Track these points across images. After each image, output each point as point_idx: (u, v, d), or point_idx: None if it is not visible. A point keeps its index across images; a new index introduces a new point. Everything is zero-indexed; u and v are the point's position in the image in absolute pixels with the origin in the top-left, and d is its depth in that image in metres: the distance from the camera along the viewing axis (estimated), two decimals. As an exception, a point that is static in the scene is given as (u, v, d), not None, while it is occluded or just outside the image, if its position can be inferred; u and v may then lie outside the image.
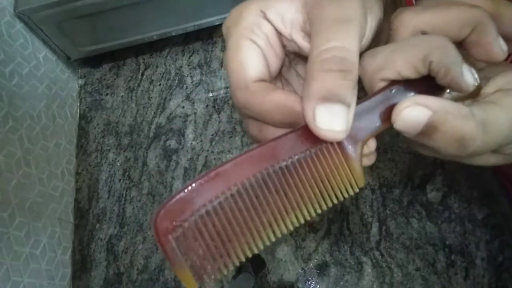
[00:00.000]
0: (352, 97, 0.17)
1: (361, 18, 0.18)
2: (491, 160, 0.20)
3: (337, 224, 1.06)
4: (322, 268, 1.03)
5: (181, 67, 1.41)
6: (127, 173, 1.30)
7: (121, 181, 1.30)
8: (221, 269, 0.16)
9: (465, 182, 1.01)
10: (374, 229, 1.03)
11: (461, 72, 0.18)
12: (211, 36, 1.40)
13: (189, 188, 0.16)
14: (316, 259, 1.05)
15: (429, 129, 0.17)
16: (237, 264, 0.16)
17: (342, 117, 0.17)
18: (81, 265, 1.21)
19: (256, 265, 0.98)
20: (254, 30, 0.20)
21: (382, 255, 1.00)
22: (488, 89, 0.19)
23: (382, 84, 0.20)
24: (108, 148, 1.36)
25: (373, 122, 0.19)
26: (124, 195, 1.28)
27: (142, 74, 1.44)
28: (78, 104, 1.45)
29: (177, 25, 1.29)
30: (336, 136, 0.17)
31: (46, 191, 1.16)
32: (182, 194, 0.16)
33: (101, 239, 1.23)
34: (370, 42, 0.21)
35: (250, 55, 0.20)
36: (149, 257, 1.17)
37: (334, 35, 0.18)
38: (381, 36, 0.30)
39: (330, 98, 0.17)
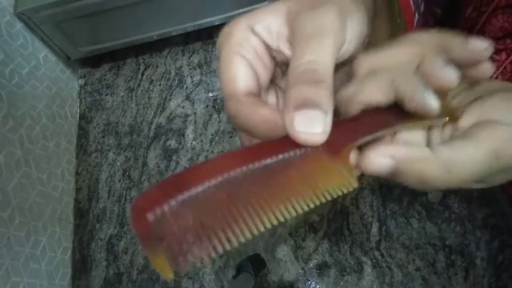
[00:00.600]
0: (328, 105, 0.19)
1: (336, 28, 0.20)
2: (474, 186, 0.21)
3: (337, 224, 1.06)
4: (322, 268, 1.03)
5: (181, 67, 1.41)
6: (127, 173, 1.30)
7: (121, 181, 1.30)
8: (198, 256, 0.15)
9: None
10: (374, 229, 1.03)
11: (423, 96, 0.19)
12: (211, 36, 1.40)
13: (173, 177, 0.16)
14: (316, 259, 1.05)
15: (395, 173, 0.19)
16: (215, 254, 0.16)
17: (319, 121, 0.18)
18: (81, 265, 1.21)
19: (256, 265, 0.98)
20: (243, 45, 0.22)
21: (382, 255, 1.00)
22: (465, 121, 0.21)
23: (357, 109, 0.21)
24: (108, 148, 1.36)
25: (352, 136, 0.20)
26: (124, 195, 1.28)
27: (142, 74, 1.44)
28: (78, 104, 1.45)
29: (177, 25, 1.29)
30: (314, 138, 0.18)
31: (46, 191, 1.16)
32: (163, 182, 0.16)
33: (101, 239, 1.23)
34: (358, 45, 0.22)
35: (239, 69, 0.21)
36: (149, 257, 1.17)
37: (307, 48, 0.19)
38: (378, 36, 0.30)
39: (306, 105, 0.18)
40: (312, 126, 0.18)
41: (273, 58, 0.23)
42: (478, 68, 0.21)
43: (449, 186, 0.19)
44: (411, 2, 0.38)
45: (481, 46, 0.20)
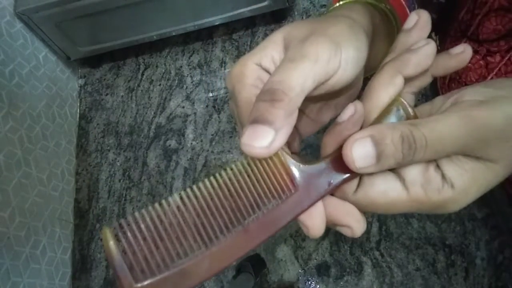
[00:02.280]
0: (282, 123, 0.19)
1: (322, 58, 0.20)
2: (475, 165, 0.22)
3: (337, 224, 1.06)
4: (322, 268, 1.03)
5: (181, 67, 1.41)
6: (127, 173, 1.30)
7: (121, 181, 1.30)
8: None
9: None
10: (374, 229, 1.03)
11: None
12: (211, 36, 1.40)
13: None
14: (316, 259, 1.05)
15: (379, 155, 0.20)
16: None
17: (265, 136, 0.19)
18: (81, 265, 1.21)
19: (256, 265, 0.99)
20: (258, 85, 0.22)
21: (382, 255, 1.00)
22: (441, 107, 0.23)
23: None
24: (108, 148, 1.36)
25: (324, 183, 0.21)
26: (124, 195, 1.28)
27: (142, 74, 1.44)
28: (78, 104, 1.45)
29: (177, 25, 1.29)
30: (255, 151, 0.19)
31: (46, 191, 1.16)
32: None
33: (101, 239, 1.23)
34: (356, 71, 0.23)
35: None
36: (149, 257, 1.17)
37: (281, 70, 0.20)
38: (377, 57, 0.31)
39: (258, 120, 0.19)
40: (256, 140, 0.19)
41: None
42: (458, 58, 0.23)
43: (434, 158, 0.20)
44: (408, 12, 0.38)
45: (458, 50, 0.23)
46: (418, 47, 0.23)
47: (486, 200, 0.98)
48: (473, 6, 0.37)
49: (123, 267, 0.17)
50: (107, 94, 1.44)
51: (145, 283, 0.17)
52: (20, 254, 1.01)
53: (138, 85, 1.43)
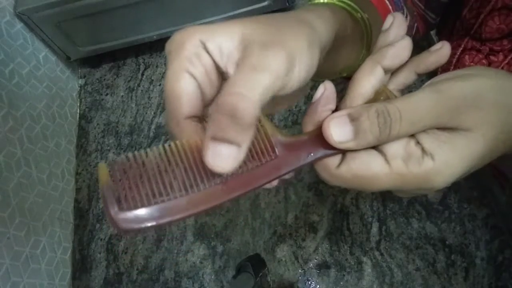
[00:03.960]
0: (244, 138, 0.20)
1: (279, 73, 0.21)
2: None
3: (337, 224, 1.06)
4: (322, 268, 1.03)
5: (181, 67, 1.41)
6: (127, 173, 1.30)
7: (121, 181, 1.30)
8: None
9: (465, 182, 1.01)
10: (374, 229, 1.03)
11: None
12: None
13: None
14: (316, 259, 1.05)
15: (357, 131, 0.22)
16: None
17: (229, 155, 0.20)
18: (81, 265, 1.21)
19: (256, 265, 0.98)
20: (193, 62, 0.22)
21: (382, 255, 1.00)
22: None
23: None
24: (108, 148, 1.36)
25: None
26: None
27: (142, 74, 1.44)
28: (78, 104, 1.45)
29: (177, 25, 1.29)
30: (220, 171, 0.20)
31: (46, 191, 1.16)
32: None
33: (101, 239, 1.23)
34: (306, 80, 0.24)
35: (185, 89, 0.22)
36: (149, 257, 1.17)
37: (243, 80, 0.20)
38: (341, 61, 0.33)
39: (219, 138, 0.19)
40: (221, 161, 0.20)
41: (220, 75, 0.24)
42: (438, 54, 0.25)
43: (411, 131, 0.21)
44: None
45: (437, 46, 0.25)
46: (395, 42, 0.25)
47: (486, 200, 0.98)
48: (476, 5, 0.37)
49: (112, 198, 0.19)
50: (107, 94, 1.44)
51: (128, 213, 0.19)
52: (20, 254, 1.01)
53: (138, 85, 1.43)
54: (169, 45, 0.24)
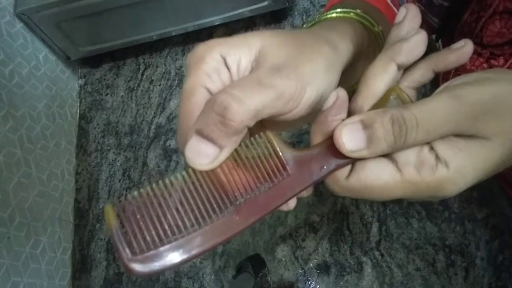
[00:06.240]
0: (227, 143, 0.19)
1: (286, 94, 0.20)
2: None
3: (337, 224, 1.06)
4: (322, 268, 1.03)
5: (181, 67, 1.41)
6: (127, 173, 1.30)
7: (121, 181, 1.30)
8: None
9: (465, 182, 1.01)
10: (374, 229, 1.03)
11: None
12: (211, 36, 1.40)
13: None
14: (316, 259, 1.05)
15: (371, 138, 0.20)
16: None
17: (208, 155, 0.19)
18: (81, 265, 1.21)
19: (256, 265, 0.99)
20: (212, 77, 0.22)
21: (382, 255, 1.00)
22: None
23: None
24: (108, 148, 1.36)
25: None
26: (124, 195, 1.28)
27: (142, 74, 1.44)
28: (78, 104, 1.45)
29: (177, 25, 1.29)
30: (197, 166, 0.19)
31: (46, 191, 1.16)
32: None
33: (101, 239, 1.23)
34: (310, 110, 0.23)
35: (200, 104, 0.21)
36: (149, 257, 1.17)
37: (242, 87, 0.20)
38: (357, 75, 0.32)
39: (203, 134, 0.19)
40: (199, 157, 0.19)
41: None
42: (459, 53, 0.23)
43: (427, 139, 0.20)
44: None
45: (459, 44, 0.23)
46: (409, 36, 0.23)
47: (486, 200, 0.98)
48: (477, 8, 0.37)
49: (123, 243, 0.18)
50: (107, 94, 1.44)
51: (141, 256, 0.18)
52: (20, 254, 1.01)
53: (138, 85, 1.43)
54: (189, 58, 0.23)
